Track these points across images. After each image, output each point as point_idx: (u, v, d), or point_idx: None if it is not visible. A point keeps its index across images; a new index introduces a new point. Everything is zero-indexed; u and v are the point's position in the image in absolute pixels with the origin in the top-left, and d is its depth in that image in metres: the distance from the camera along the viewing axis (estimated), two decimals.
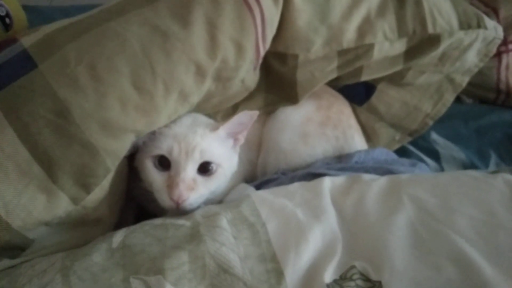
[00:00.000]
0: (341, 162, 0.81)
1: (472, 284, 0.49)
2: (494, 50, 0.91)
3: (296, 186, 0.68)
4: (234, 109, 0.82)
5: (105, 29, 0.60)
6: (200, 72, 0.65)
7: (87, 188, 0.59)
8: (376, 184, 0.66)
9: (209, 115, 0.78)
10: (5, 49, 0.64)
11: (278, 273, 0.52)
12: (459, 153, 1.00)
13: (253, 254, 0.54)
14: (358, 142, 0.89)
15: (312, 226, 0.57)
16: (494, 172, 0.68)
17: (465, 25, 0.82)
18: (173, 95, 0.63)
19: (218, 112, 0.81)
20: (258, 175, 0.88)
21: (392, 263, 0.52)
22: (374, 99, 0.96)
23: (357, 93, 0.97)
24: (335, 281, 0.52)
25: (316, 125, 0.85)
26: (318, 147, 0.85)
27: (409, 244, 0.55)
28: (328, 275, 0.52)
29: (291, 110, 0.86)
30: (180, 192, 0.64)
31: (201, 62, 0.64)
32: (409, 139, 1.02)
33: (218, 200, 0.73)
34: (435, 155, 1.01)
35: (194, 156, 0.66)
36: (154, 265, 0.50)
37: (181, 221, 0.59)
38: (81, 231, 0.63)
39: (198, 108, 0.74)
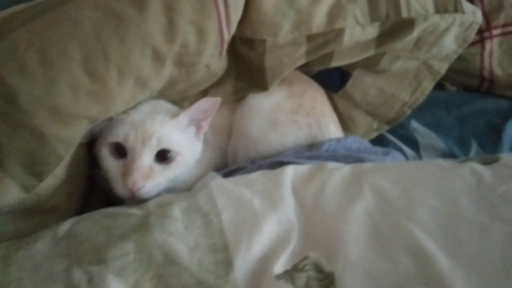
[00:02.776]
0: (311, 151, 0.79)
1: (427, 277, 0.47)
2: (472, 35, 0.87)
3: (258, 174, 0.66)
4: (202, 95, 0.80)
5: (58, 13, 0.59)
6: (158, 57, 0.63)
7: (38, 175, 0.57)
8: (339, 172, 0.64)
9: (176, 102, 0.77)
10: None
11: (228, 264, 0.51)
12: (439, 142, 0.98)
13: (203, 244, 0.53)
14: (332, 131, 0.87)
15: (267, 215, 0.56)
16: (463, 161, 0.66)
17: (441, 9, 0.79)
18: (128, 81, 0.61)
19: (186, 98, 0.79)
20: (229, 162, 0.86)
21: (346, 254, 0.51)
22: (349, 86, 0.94)
23: (332, 80, 0.94)
24: (286, 271, 0.50)
25: (287, 112, 0.83)
26: (289, 135, 0.82)
27: (366, 235, 0.53)
28: (280, 266, 0.51)
29: (261, 97, 0.84)
30: (134, 180, 0.63)
31: (158, 46, 0.62)
32: (387, 127, 1.00)
33: (185, 188, 0.71)
34: (414, 144, 0.98)
35: (151, 143, 0.65)
36: (98, 255, 0.49)
37: (133, 210, 0.58)
38: (37, 219, 0.62)
39: (163, 94, 0.73)
